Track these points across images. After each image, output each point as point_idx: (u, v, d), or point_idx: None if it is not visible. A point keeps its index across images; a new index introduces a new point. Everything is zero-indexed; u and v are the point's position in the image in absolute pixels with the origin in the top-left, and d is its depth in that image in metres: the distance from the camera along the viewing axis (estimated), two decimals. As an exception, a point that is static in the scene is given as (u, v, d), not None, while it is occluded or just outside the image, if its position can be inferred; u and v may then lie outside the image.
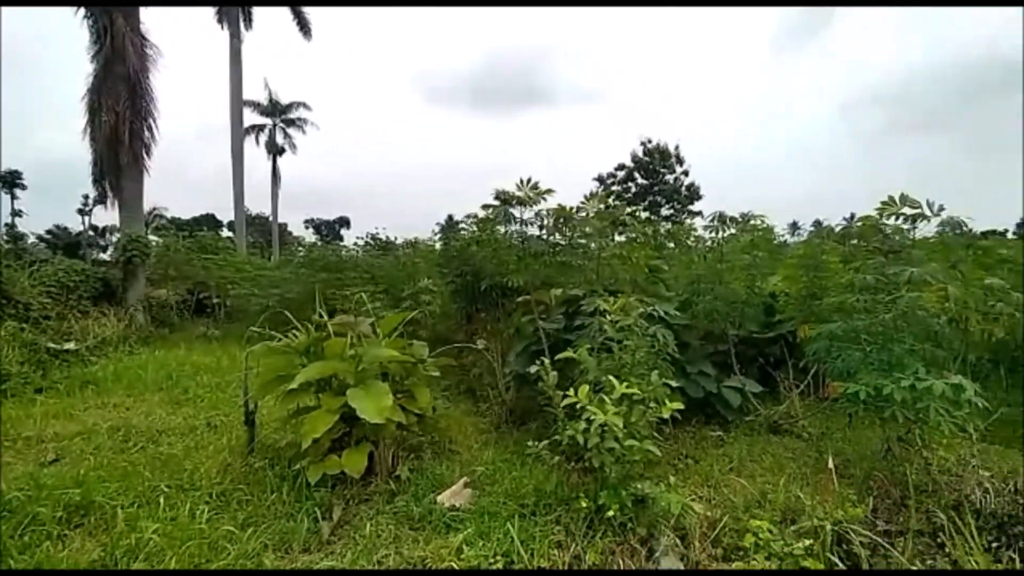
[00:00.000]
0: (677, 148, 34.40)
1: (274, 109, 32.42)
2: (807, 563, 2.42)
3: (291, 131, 33.13)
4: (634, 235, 6.31)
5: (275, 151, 32.88)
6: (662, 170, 34.46)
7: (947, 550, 2.41)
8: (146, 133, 11.20)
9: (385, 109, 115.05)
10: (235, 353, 7.68)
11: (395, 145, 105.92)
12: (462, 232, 6.52)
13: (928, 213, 3.61)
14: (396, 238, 12.41)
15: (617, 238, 6.09)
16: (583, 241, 5.24)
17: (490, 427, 4.77)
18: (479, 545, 2.65)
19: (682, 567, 2.51)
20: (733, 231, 5.65)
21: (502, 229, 5.04)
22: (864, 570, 2.36)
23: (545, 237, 4.98)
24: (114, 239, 21.14)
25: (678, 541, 2.70)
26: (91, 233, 48.80)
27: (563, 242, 5.23)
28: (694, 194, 34.34)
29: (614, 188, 34.94)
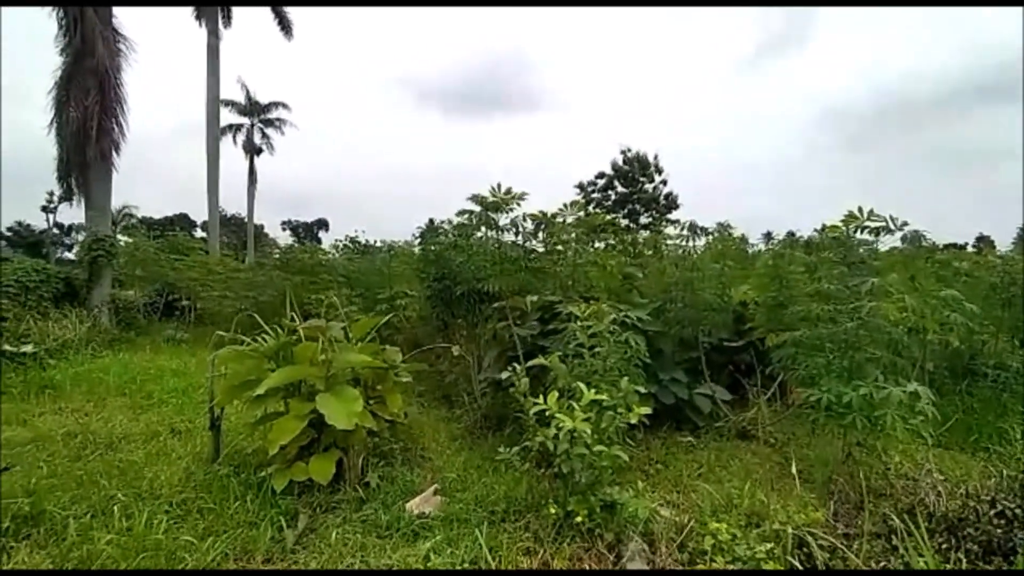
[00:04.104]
0: (656, 157, 35.04)
1: (252, 108, 31.88)
2: (768, 566, 2.47)
3: (269, 131, 32.61)
4: (613, 242, 6.41)
5: (252, 151, 32.29)
6: (641, 179, 35.00)
7: (900, 552, 2.49)
8: (115, 129, 10.87)
9: (366, 112, 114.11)
10: (204, 357, 7.44)
11: (376, 148, 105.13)
12: (440, 237, 6.50)
13: (891, 227, 3.75)
14: (375, 241, 12.30)
15: (597, 244, 6.17)
16: (560, 248, 5.29)
17: (464, 433, 4.75)
18: (447, 552, 2.63)
19: (648, 571, 2.53)
20: (705, 240, 5.78)
21: (479, 234, 5.05)
22: (824, 571, 2.42)
23: (522, 243, 5.01)
24: (80, 238, 20.40)
25: (646, 547, 2.73)
26: (56, 231, 47.02)
27: (540, 248, 5.27)
28: (672, 203, 34.96)
29: (594, 196, 35.36)
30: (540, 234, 5.12)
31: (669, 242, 5.93)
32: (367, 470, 3.50)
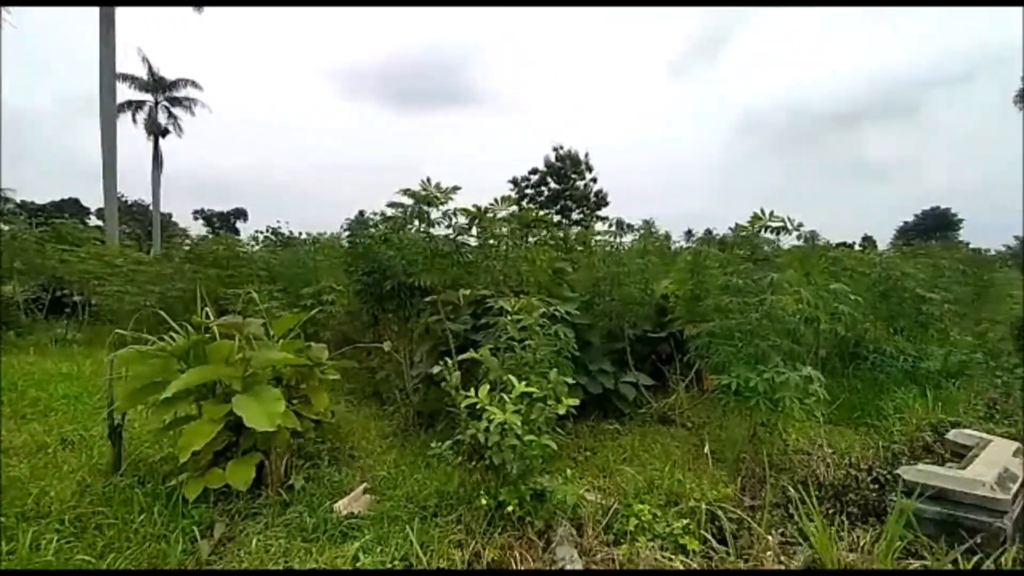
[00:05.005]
0: (587, 156, 36.09)
1: (156, 85, 29.03)
2: (685, 541, 2.67)
3: (177, 111, 29.88)
4: (546, 236, 6.54)
5: (156, 131, 29.43)
6: (573, 176, 35.93)
7: (795, 519, 2.78)
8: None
9: (295, 100, 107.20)
10: (101, 359, 6.73)
11: (304, 137, 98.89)
12: (371, 229, 6.29)
13: (789, 227, 4.15)
14: (300, 233, 11.67)
15: (530, 240, 6.26)
16: (493, 242, 5.32)
17: (395, 430, 4.67)
18: (376, 551, 2.59)
19: (575, 554, 2.64)
20: (632, 237, 6.07)
21: (411, 227, 4.95)
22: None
23: (454, 237, 4.98)
24: (-60, 224, 17.57)
25: (574, 531, 2.84)
26: (-93, 216, 40.17)
27: (473, 242, 5.27)
28: (602, 200, 36.22)
29: (528, 191, 35.81)
30: (474, 228, 5.12)
31: (598, 238, 6.15)
32: (291, 472, 3.35)
